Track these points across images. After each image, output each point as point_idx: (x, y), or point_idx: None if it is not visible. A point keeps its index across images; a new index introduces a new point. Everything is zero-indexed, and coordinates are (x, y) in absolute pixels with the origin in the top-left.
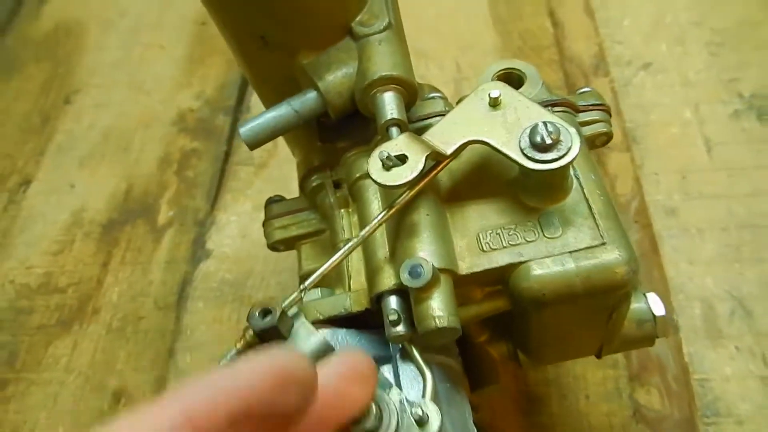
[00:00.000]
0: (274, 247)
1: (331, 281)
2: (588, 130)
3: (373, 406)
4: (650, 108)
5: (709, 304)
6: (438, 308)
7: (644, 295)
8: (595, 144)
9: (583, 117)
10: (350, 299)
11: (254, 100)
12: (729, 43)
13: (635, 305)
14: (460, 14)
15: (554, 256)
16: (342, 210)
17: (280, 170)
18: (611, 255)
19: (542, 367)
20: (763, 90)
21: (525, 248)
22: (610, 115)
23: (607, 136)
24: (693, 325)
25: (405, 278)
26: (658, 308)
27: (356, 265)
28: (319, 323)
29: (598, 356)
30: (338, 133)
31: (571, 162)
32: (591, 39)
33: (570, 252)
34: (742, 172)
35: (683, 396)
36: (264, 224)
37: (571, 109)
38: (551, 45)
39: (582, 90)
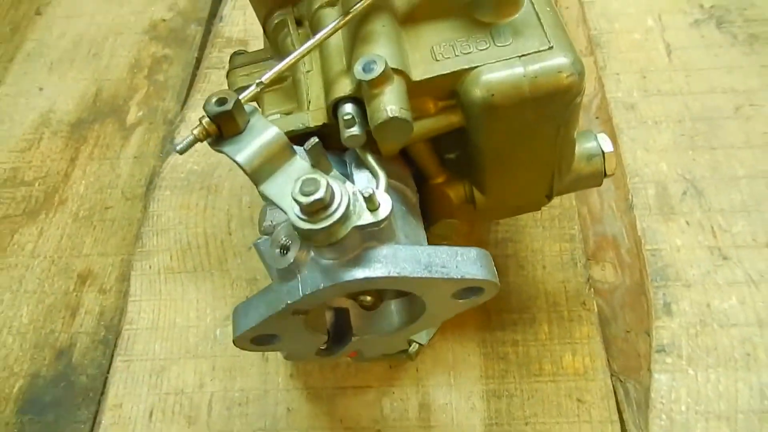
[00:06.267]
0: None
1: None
2: None
3: (326, 181)
4: (615, 17)
5: (663, 186)
6: (389, 101)
7: (595, 135)
8: None
9: None
10: (309, 116)
11: (226, 11)
12: None
13: (586, 144)
14: None
15: (503, 60)
16: None
17: None
18: (557, 58)
19: (495, 222)
20: (722, 2)
21: (476, 55)
22: None
23: None
24: (647, 204)
25: (358, 71)
26: (607, 145)
27: (316, 92)
28: None
29: (549, 197)
30: None
31: None
32: None
33: (519, 56)
34: (699, 73)
35: (635, 265)
36: (228, 74)
37: None
38: None
39: None
